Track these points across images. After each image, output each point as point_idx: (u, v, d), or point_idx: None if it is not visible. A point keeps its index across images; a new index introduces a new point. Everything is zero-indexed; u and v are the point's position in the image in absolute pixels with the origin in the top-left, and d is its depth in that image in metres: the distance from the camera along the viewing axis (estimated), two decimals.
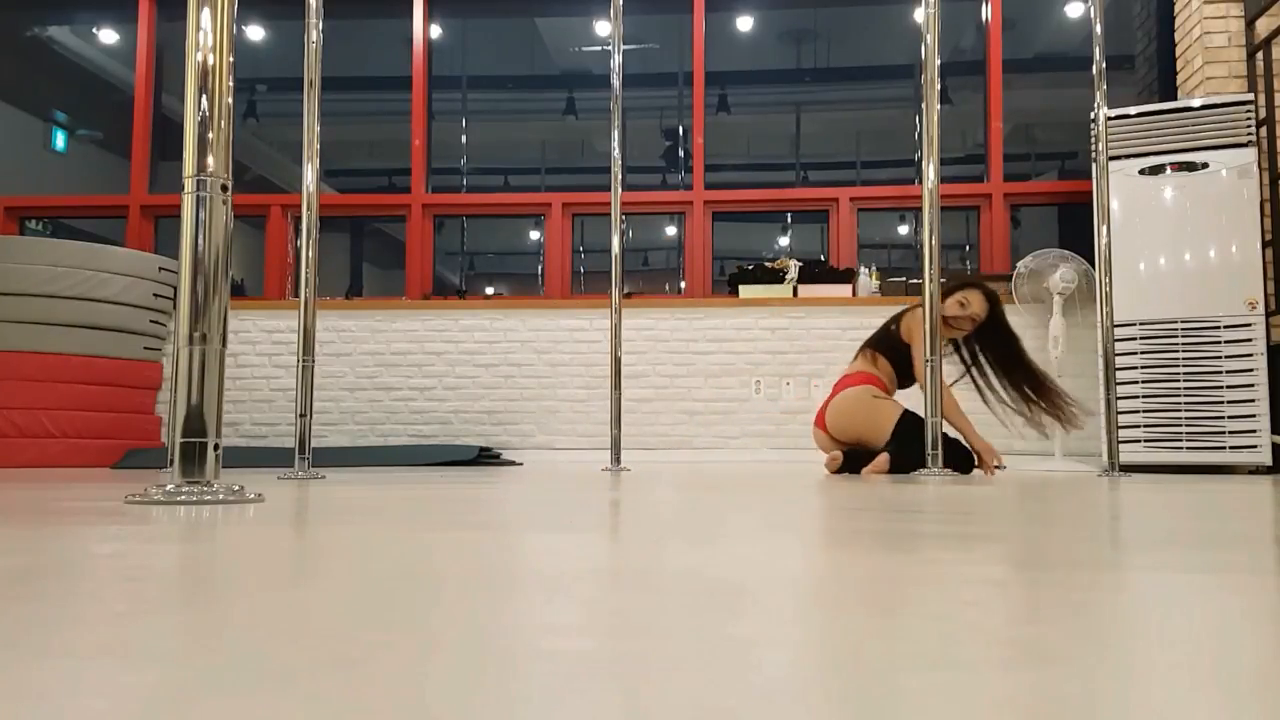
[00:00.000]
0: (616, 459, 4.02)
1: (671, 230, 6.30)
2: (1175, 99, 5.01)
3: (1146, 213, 4.53)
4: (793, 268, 5.30)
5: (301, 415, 3.06)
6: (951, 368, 3.72)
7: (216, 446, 1.68)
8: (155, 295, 5.09)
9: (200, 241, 1.71)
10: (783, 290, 5.27)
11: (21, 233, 5.84)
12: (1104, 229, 3.88)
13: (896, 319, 3.76)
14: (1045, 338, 4.93)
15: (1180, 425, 4.40)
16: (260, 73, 6.50)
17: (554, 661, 0.44)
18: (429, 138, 5.96)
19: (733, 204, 5.81)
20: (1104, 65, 3.91)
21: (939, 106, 3.43)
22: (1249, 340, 4.31)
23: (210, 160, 1.72)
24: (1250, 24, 4.77)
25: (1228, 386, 4.33)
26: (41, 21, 6.40)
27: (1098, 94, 3.94)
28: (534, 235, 6.29)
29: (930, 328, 3.31)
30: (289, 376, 5.30)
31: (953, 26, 5.88)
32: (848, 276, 5.30)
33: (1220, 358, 4.35)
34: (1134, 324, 4.49)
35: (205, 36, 1.75)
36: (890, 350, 3.71)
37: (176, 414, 1.68)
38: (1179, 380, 4.41)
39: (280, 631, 0.51)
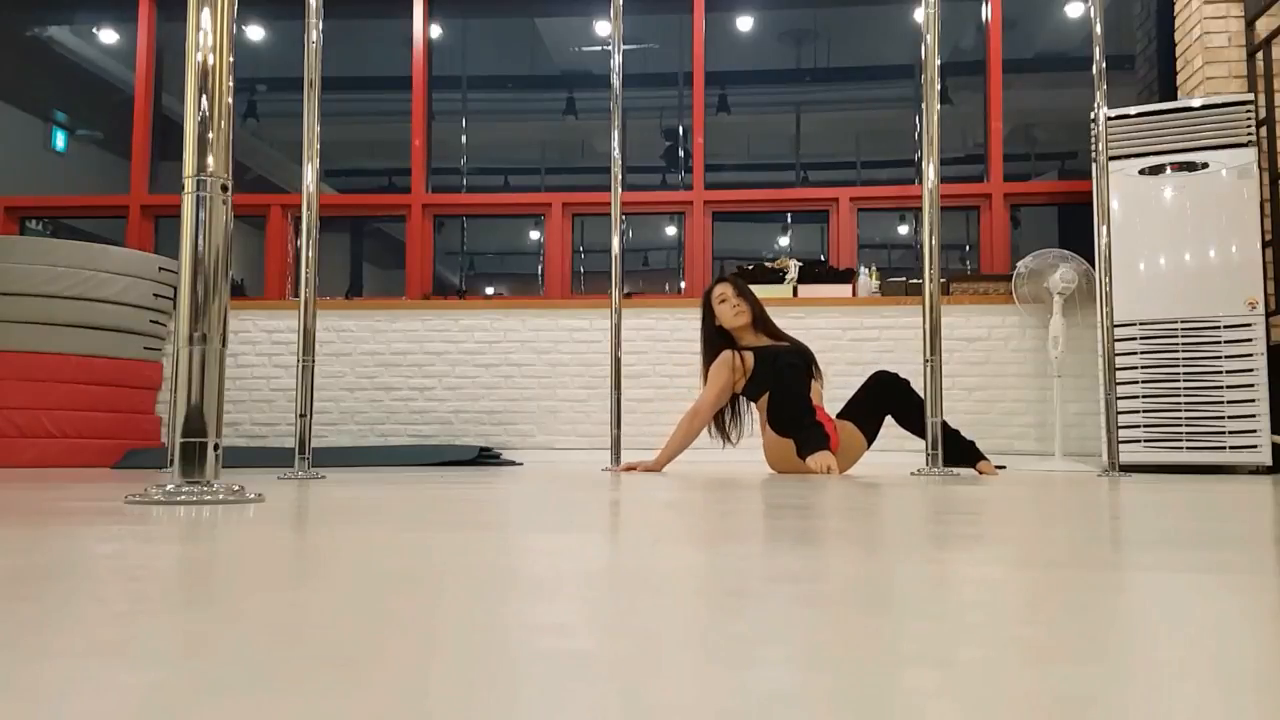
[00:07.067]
0: (617, 459, 4.03)
1: (671, 230, 6.30)
2: (1175, 99, 5.00)
3: (1146, 213, 4.53)
4: (793, 268, 5.29)
5: (301, 415, 3.06)
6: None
7: (216, 446, 1.68)
8: (155, 295, 5.09)
9: (200, 241, 1.71)
10: (783, 290, 5.27)
11: (21, 233, 5.83)
12: (1104, 229, 3.88)
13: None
14: (1045, 338, 4.93)
15: (1180, 425, 4.40)
16: (260, 73, 6.49)
17: (556, 661, 0.44)
18: (429, 138, 5.96)
19: (733, 204, 5.80)
20: (1104, 65, 3.90)
21: (939, 106, 3.43)
22: (1249, 340, 4.31)
23: (210, 160, 1.72)
24: (1250, 24, 4.77)
25: (1228, 386, 4.33)
26: (41, 21, 6.39)
27: (1098, 94, 3.94)
28: (534, 235, 6.29)
29: (930, 328, 3.32)
30: (289, 376, 5.30)
31: (953, 26, 5.87)
32: (848, 276, 5.29)
33: (1220, 358, 4.35)
34: (1134, 324, 4.48)
35: (205, 36, 1.75)
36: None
37: (176, 414, 1.68)
38: (1179, 380, 4.41)
39: (280, 632, 0.51)
